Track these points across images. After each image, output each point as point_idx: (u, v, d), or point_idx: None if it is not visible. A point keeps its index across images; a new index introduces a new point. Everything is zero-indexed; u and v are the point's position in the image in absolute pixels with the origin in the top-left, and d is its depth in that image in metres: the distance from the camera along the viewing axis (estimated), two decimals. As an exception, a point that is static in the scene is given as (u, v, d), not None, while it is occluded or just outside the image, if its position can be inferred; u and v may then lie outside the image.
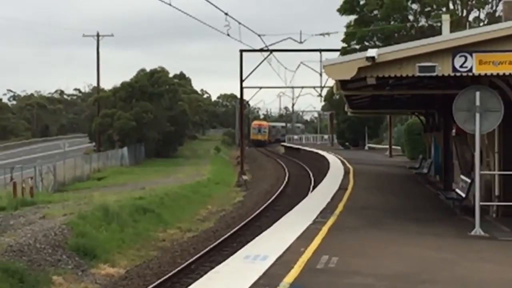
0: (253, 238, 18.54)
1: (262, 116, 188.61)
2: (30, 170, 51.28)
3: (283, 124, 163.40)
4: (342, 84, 22.03)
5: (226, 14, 37.46)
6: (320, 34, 65.70)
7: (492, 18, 50.10)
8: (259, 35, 50.25)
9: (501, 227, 20.42)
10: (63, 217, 28.09)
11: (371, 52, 19.25)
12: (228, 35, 39.76)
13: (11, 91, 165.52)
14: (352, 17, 56.14)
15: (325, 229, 19.05)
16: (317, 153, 70.87)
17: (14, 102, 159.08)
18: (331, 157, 58.64)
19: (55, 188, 52.35)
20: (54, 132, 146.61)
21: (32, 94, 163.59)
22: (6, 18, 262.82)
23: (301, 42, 53.89)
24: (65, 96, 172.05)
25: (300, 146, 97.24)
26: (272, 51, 54.16)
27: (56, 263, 22.07)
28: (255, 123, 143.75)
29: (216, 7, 32.65)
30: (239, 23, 40.41)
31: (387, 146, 70.15)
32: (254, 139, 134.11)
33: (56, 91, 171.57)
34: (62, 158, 64.73)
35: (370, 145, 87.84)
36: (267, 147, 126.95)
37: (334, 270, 13.89)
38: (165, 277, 20.67)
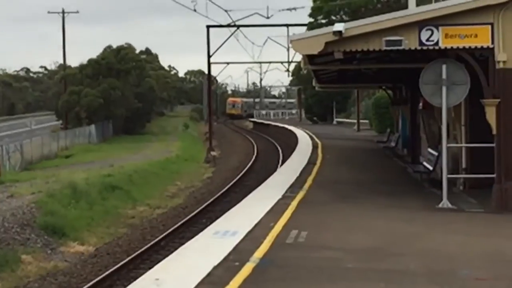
0: (223, 214, 18.60)
1: (230, 92, 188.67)
2: (-4, 149, 50.92)
3: (256, 99, 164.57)
4: (310, 58, 22.04)
5: (192, -11, 37.29)
6: (287, 9, 66.19)
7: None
8: (225, 11, 50.35)
9: (468, 199, 20.64)
10: (31, 196, 28.03)
11: (338, 27, 19.27)
12: (195, 10, 39.73)
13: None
14: (318, -9, 56.08)
15: (294, 203, 19.12)
16: (286, 128, 70.94)
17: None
18: (299, 132, 58.73)
19: (22, 166, 52.03)
20: (21, 110, 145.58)
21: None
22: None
23: (268, 17, 54.11)
24: (31, 74, 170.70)
25: (269, 122, 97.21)
26: (239, 26, 54.17)
27: (25, 242, 22.03)
28: (230, 99, 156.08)
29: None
30: (207, -2, 40.33)
31: (355, 121, 70.36)
32: (229, 113, 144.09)
33: (22, 69, 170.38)
34: (29, 136, 64.50)
35: (338, 119, 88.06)
36: (238, 121, 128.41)
37: (304, 244, 13.96)
38: (134, 254, 20.68)
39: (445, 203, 19.20)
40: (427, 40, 19.03)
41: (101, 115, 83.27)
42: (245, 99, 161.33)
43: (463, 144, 22.94)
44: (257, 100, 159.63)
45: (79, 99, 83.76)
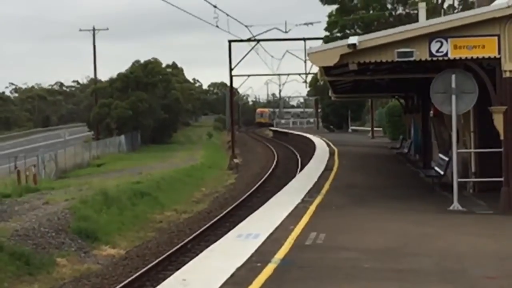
0: (245, 218, 18.60)
1: (251, 103, 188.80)
2: (33, 158, 51.26)
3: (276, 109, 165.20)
4: (326, 70, 22.04)
5: (214, 7, 37.53)
6: (304, 24, 66.13)
7: (466, 5, 50.20)
8: (246, 26, 50.38)
9: (478, 201, 20.51)
10: (65, 202, 28.16)
11: (352, 40, 19.27)
12: (217, 26, 39.86)
13: (13, 84, 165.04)
14: (334, 7, 56.10)
15: (312, 207, 19.11)
16: (304, 136, 70.89)
17: (16, 95, 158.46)
18: (317, 140, 58.67)
19: (57, 175, 52.30)
20: (55, 122, 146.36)
21: (33, 87, 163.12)
22: (3, 15, 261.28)
23: (286, 32, 54.13)
24: (64, 88, 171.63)
25: (287, 130, 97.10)
26: (259, 40, 54.23)
27: (60, 245, 22.13)
28: (259, 109, 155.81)
29: (205, 0, 32.60)
30: (227, 15, 40.56)
31: (369, 128, 70.19)
32: (258, 121, 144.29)
33: (55, 83, 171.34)
34: (63, 146, 64.69)
35: (353, 127, 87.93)
36: (259, 130, 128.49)
37: (322, 246, 13.97)
38: (163, 257, 20.71)
39: (455, 205, 19.12)
40: (437, 51, 19.00)
41: (130, 125, 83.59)
42: (271, 109, 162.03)
43: (472, 150, 22.82)
44: (276, 110, 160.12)
45: (110, 111, 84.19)
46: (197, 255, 14.49)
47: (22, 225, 22.91)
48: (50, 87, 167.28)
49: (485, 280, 11.07)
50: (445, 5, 53.60)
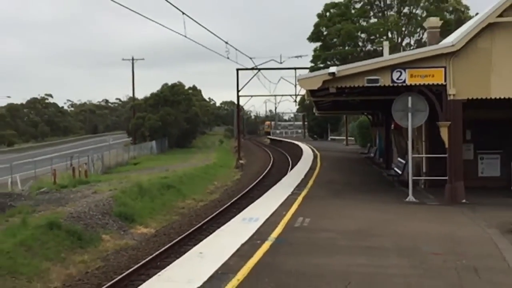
0: (248, 206, 18.60)
1: (253, 117, 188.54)
2: (84, 158, 51.25)
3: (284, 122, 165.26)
4: (311, 92, 21.98)
5: (226, 42, 37.47)
6: (295, 57, 66.53)
7: (419, 43, 50.21)
8: (250, 58, 50.35)
9: (428, 195, 20.50)
10: (109, 192, 28.16)
11: (332, 69, 19.30)
12: (228, 58, 39.79)
13: (70, 100, 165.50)
14: (318, 44, 56.17)
15: (300, 198, 19.08)
16: (293, 143, 70.82)
17: (72, 109, 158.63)
18: (304, 146, 58.60)
19: (103, 171, 52.18)
20: (101, 130, 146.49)
21: (85, 103, 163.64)
22: (64, 46, 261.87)
23: (281, 63, 53.92)
24: (109, 104, 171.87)
25: (281, 138, 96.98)
26: (260, 69, 54.07)
27: (105, 225, 22.05)
28: (267, 122, 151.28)
29: (218, 37, 32.66)
30: (236, 49, 40.52)
31: (344, 137, 70.11)
32: (266, 131, 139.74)
33: (102, 100, 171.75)
34: (108, 149, 64.69)
35: (332, 137, 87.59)
36: (260, 138, 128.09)
37: (307, 228, 13.97)
38: (184, 235, 20.68)
39: (410, 198, 19.11)
40: (397, 79, 18.97)
41: (159, 133, 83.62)
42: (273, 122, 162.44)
43: (424, 155, 22.85)
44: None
45: (144, 122, 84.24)
46: (210, 233, 14.55)
47: (76, 209, 22.90)
48: (98, 103, 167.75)
49: (432, 255, 11.10)
50: (404, 43, 53.63)
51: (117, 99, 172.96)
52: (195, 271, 9.59)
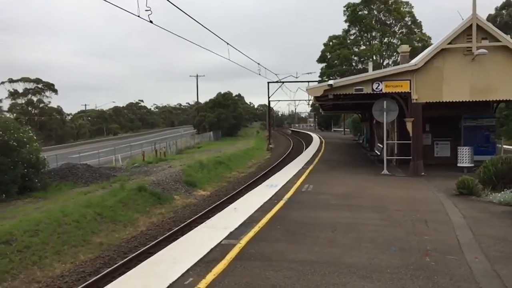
0: (271, 176, 18.70)
1: (279, 115, 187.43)
2: (163, 143, 51.82)
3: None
4: (316, 98, 21.94)
5: (258, 64, 37.47)
6: (307, 73, 66.21)
7: (395, 63, 49.31)
8: (275, 74, 50.80)
9: (397, 169, 20.34)
10: (180, 166, 28.27)
11: (330, 82, 19.24)
12: (259, 74, 39.84)
13: (155, 104, 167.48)
14: (323, 64, 55.69)
15: (307, 171, 19.18)
16: (307, 133, 70.60)
17: (156, 110, 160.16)
18: (314, 135, 58.38)
19: (176, 152, 52.77)
20: (176, 124, 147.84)
21: (165, 105, 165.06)
22: (146, 67, 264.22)
23: (297, 77, 53.80)
24: (181, 106, 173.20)
25: (299, 130, 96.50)
26: (283, 82, 53.82)
27: (176, 189, 22.11)
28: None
29: (252, 60, 32.76)
30: (265, 68, 41.22)
31: (343, 129, 69.64)
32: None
33: (177, 104, 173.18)
34: (180, 137, 65.20)
35: (334, 129, 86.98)
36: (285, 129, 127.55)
37: (311, 192, 13.99)
38: (229, 195, 20.80)
39: (385, 171, 19.00)
40: (376, 88, 18.81)
41: (215, 126, 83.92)
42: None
43: (396, 141, 22.62)
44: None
45: (205, 119, 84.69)
46: (244, 195, 14.70)
47: (156, 178, 23.10)
48: (174, 105, 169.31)
49: (396, 211, 11.03)
50: (384, 63, 52.75)
51: (187, 103, 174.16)
52: (230, 220, 9.70)
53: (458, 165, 18.75)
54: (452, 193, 13.50)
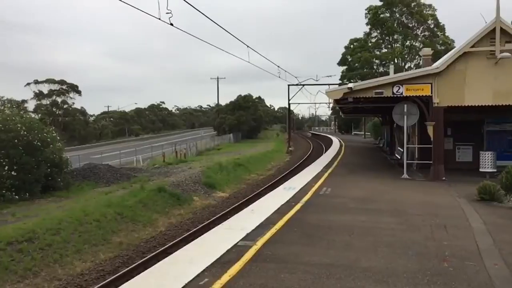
0: (290, 179, 18.66)
1: (300, 118, 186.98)
2: (184, 145, 52.11)
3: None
4: (336, 101, 21.89)
5: (278, 66, 37.59)
6: (327, 76, 65.77)
7: (417, 67, 48.80)
8: (295, 77, 50.44)
9: (418, 173, 20.11)
10: (199, 168, 28.29)
11: (350, 85, 19.16)
12: (279, 77, 39.86)
13: (176, 105, 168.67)
14: (344, 67, 55.41)
15: (326, 174, 19.09)
16: (327, 136, 70.20)
17: (177, 111, 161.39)
18: (334, 138, 58.06)
19: (196, 153, 52.97)
20: (197, 126, 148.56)
21: (186, 107, 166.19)
22: (171, 70, 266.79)
23: (317, 80, 53.82)
24: (202, 108, 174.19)
25: (319, 133, 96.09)
26: (303, 85, 53.72)
27: (195, 190, 22.08)
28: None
29: (272, 62, 32.85)
30: (285, 70, 40.88)
31: (363, 132, 69.11)
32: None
33: (197, 106, 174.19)
34: (200, 139, 65.44)
35: (355, 132, 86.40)
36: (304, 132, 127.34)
37: (328, 195, 13.95)
38: (247, 197, 20.77)
39: (405, 175, 18.82)
40: (397, 92, 18.66)
41: (235, 129, 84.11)
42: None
43: (416, 145, 22.37)
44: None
45: (225, 121, 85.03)
46: (262, 197, 14.68)
47: (176, 179, 23.16)
48: (194, 107, 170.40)
49: (415, 216, 10.92)
50: (406, 66, 52.20)
51: (207, 105, 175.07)
52: (247, 222, 9.72)
53: (480, 170, 18.43)
54: (473, 198, 13.28)
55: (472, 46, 17.83)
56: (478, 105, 18.03)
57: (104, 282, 9.90)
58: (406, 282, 6.29)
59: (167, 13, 12.57)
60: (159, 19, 12.51)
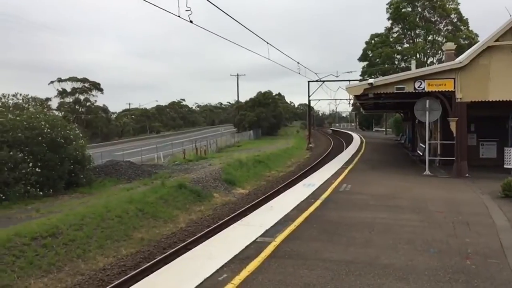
0: (310, 175, 18.59)
1: (320, 114, 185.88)
2: (204, 142, 52.37)
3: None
4: (356, 97, 21.70)
5: (298, 63, 37.37)
6: (348, 72, 65.14)
7: (440, 62, 47.91)
8: (315, 73, 50.54)
9: (440, 170, 19.83)
10: (219, 164, 28.31)
11: (370, 81, 18.96)
12: (299, 73, 39.71)
13: (196, 103, 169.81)
14: (365, 63, 54.77)
15: (346, 171, 18.96)
16: (347, 132, 69.69)
17: (198, 108, 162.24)
18: (354, 135, 57.56)
19: (216, 150, 53.13)
20: (217, 123, 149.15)
21: (206, 104, 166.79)
22: (192, 67, 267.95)
23: (337, 76, 53.39)
24: (222, 105, 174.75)
25: (339, 129, 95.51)
26: (323, 81, 53.34)
27: (216, 187, 22.17)
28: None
29: (292, 59, 32.69)
30: (305, 67, 40.55)
31: (384, 129, 68.34)
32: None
33: (218, 103, 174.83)
34: (220, 135, 65.73)
35: (376, 128, 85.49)
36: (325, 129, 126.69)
37: (348, 191, 13.87)
38: (267, 194, 20.78)
39: (427, 172, 18.54)
40: (418, 87, 18.39)
41: (255, 125, 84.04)
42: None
43: (439, 141, 22.02)
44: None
45: (245, 118, 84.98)
46: (281, 193, 14.67)
47: (197, 176, 23.26)
48: (215, 104, 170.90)
49: (436, 213, 10.78)
50: (428, 61, 51.33)
51: (227, 102, 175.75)
52: (266, 219, 9.73)
53: (505, 166, 18.06)
54: (497, 195, 13.02)
55: (496, 40, 17.45)
56: (503, 100, 17.64)
57: (125, 277, 10.05)
58: (427, 280, 6.21)
59: (186, 10, 12.64)
60: (179, 16, 12.58)
